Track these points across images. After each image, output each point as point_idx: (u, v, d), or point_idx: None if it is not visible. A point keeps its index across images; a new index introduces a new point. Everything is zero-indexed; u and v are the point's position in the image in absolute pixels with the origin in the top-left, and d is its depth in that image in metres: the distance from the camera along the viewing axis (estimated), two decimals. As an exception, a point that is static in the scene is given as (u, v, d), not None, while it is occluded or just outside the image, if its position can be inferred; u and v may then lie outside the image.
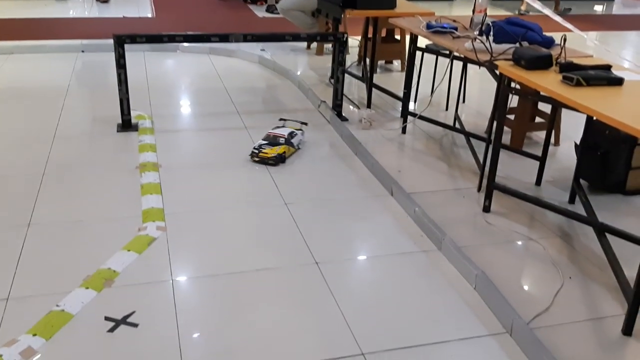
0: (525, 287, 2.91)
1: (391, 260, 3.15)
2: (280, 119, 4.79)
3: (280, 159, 4.14)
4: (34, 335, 2.48)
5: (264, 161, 4.14)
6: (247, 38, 4.55)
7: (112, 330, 2.53)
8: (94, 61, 6.81)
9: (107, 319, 2.59)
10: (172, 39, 4.56)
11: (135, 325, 2.56)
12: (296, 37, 4.77)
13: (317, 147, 4.57)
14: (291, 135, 4.35)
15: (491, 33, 3.67)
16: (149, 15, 9.43)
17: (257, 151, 4.19)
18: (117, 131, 4.71)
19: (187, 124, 5.03)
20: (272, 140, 4.29)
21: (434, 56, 5.34)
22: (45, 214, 3.45)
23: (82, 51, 7.19)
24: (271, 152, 4.15)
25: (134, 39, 4.42)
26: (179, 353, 2.43)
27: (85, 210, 3.51)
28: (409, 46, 4.64)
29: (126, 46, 4.49)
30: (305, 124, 4.72)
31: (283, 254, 3.16)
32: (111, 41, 4.52)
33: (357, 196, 3.82)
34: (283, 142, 4.27)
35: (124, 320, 2.58)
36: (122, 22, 8.83)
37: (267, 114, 5.27)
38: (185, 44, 7.33)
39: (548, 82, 2.98)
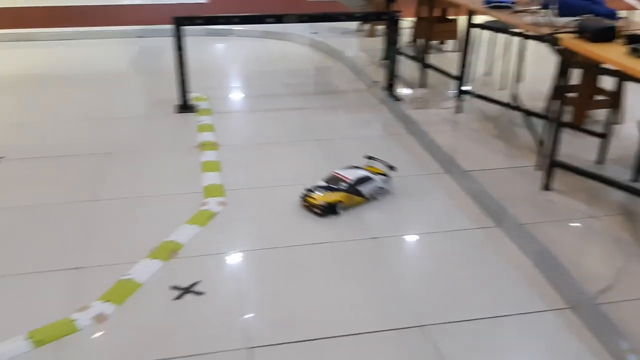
0: (588, 265, 2.85)
1: (448, 236, 3.14)
2: (368, 157, 3.74)
3: (329, 210, 3.25)
4: (106, 301, 2.61)
5: (310, 209, 3.33)
6: (301, 18, 4.58)
7: (178, 298, 2.63)
8: (150, 46, 6.99)
9: (173, 288, 2.70)
10: (228, 20, 4.65)
11: (201, 293, 2.66)
12: (350, 17, 4.79)
13: (370, 129, 4.58)
14: (361, 180, 3.39)
15: (552, 6, 3.57)
16: (204, 1, 9.57)
17: (306, 193, 3.36)
18: (176, 112, 4.85)
19: (242, 105, 5.12)
20: (332, 183, 3.37)
21: (491, 35, 5.24)
22: (113, 189, 3.60)
23: (139, 37, 7.39)
24: (321, 199, 3.27)
25: (193, 20, 4.52)
26: (244, 320, 2.51)
27: (149, 186, 3.64)
28: (466, 22, 4.57)
29: (182, 31, 4.60)
30: (393, 168, 3.65)
31: (340, 228, 3.20)
32: (167, 27, 4.64)
33: (411, 174, 3.82)
34: (344, 188, 3.35)
35: (190, 289, 2.68)
36: (178, 8, 9.00)
37: (319, 95, 5.31)
38: (239, 28, 7.42)
39: (614, 54, 2.89)
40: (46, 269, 2.83)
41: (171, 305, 2.60)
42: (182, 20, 4.52)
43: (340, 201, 3.28)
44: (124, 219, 3.28)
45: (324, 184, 3.39)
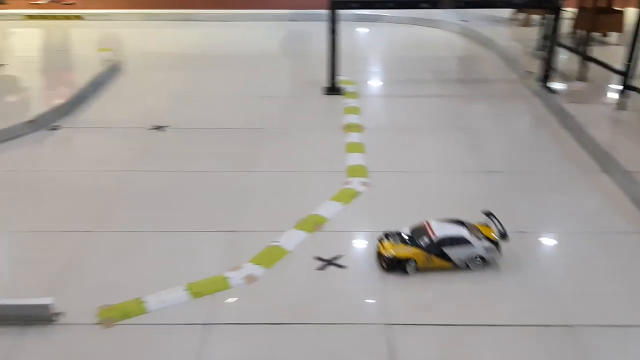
0: None
1: (602, 237, 2.96)
2: (487, 213, 2.91)
3: (394, 265, 2.63)
4: (256, 264, 2.79)
5: (377, 258, 2.74)
6: (457, 4, 4.50)
7: (322, 268, 2.75)
8: (300, 30, 7.24)
9: (317, 258, 2.82)
10: (383, 4, 4.70)
11: (342, 267, 2.75)
12: (509, 4, 4.62)
13: (520, 120, 4.42)
14: (452, 241, 2.65)
15: None
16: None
17: (382, 238, 2.80)
18: (324, 94, 5.00)
19: (388, 90, 5.16)
20: (415, 234, 2.72)
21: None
22: (265, 162, 3.81)
23: (291, 20, 7.68)
24: (390, 249, 2.67)
25: (348, 4, 4.63)
26: (383, 299, 2.56)
27: (298, 162, 3.81)
28: (638, 14, 4.22)
29: (337, 15, 4.71)
30: (506, 236, 2.79)
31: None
32: (317, 11, 4.78)
33: (564, 170, 3.64)
34: (423, 245, 2.65)
35: (332, 262, 2.79)
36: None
37: (466, 83, 5.21)
38: (388, 14, 7.45)
39: None
40: (205, 229, 3.08)
41: (315, 274, 2.72)
42: (337, 4, 4.63)
43: (411, 259, 2.64)
44: (274, 191, 3.46)
45: (406, 232, 2.76)
